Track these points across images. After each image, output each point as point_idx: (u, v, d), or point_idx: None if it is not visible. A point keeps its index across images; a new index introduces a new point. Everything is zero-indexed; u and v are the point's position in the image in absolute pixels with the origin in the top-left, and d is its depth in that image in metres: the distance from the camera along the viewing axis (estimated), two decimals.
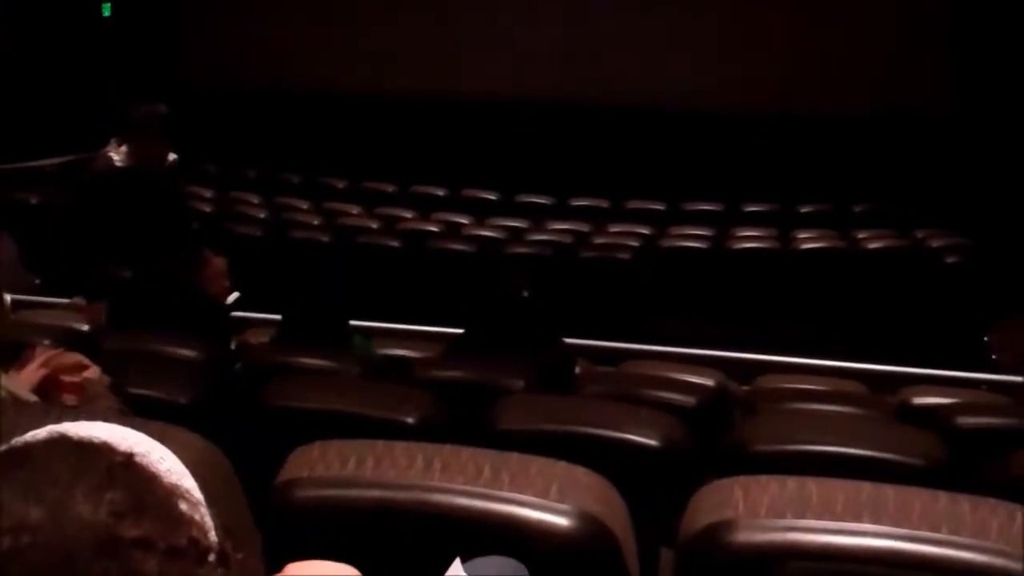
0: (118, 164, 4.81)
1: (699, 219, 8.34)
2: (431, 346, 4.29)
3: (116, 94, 7.93)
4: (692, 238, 7.52)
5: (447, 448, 1.49)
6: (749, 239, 7.54)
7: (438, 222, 7.94)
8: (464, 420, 2.41)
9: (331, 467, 1.45)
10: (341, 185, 9.39)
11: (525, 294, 3.70)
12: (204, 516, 0.75)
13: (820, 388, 3.99)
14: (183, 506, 0.73)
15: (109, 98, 8.01)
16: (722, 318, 6.47)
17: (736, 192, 8.95)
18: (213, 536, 0.74)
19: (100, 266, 4.54)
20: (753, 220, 8.33)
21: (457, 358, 3.58)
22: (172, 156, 5.03)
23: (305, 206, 8.34)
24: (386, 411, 2.31)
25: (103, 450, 0.73)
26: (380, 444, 1.49)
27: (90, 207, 4.83)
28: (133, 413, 1.75)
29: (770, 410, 3.20)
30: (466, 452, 1.47)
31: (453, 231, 7.69)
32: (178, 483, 0.74)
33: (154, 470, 0.74)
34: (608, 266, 6.82)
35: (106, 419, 0.78)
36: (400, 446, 1.49)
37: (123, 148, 4.84)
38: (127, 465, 0.72)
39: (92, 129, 6.24)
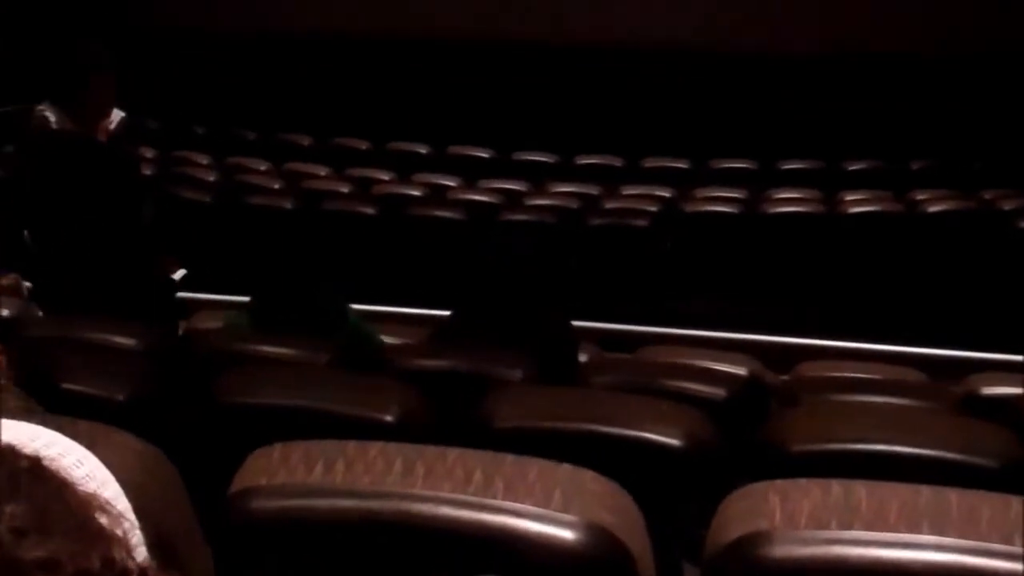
0: (54, 125, 4.71)
1: (729, 179, 8.34)
2: (413, 331, 4.29)
3: (54, 38, 7.88)
4: (721, 201, 7.51)
5: (432, 450, 1.49)
6: (788, 202, 7.53)
7: (421, 185, 7.93)
8: (452, 417, 2.41)
9: (294, 473, 1.45)
10: (306, 142, 9.39)
11: (524, 269, 3.71)
12: (129, 531, 0.73)
13: (871, 377, 4.00)
14: (102, 519, 0.71)
15: (44, 43, 7.96)
16: (756, 295, 6.47)
17: (772, 147, 8.96)
18: (140, 554, 0.73)
19: (20, 235, 4.51)
20: (793, 179, 8.34)
21: (443, 344, 3.58)
22: (119, 115, 4.92)
23: (263, 167, 8.33)
24: (360, 407, 2.32)
25: (4, 454, 0.70)
26: (352, 445, 1.49)
27: (21, 177, 4.77)
28: (44, 411, 1.74)
29: (813, 403, 3.21)
30: (454, 454, 1.47)
31: (438, 195, 7.68)
32: (96, 492, 0.73)
33: (66, 477, 0.72)
34: (622, 235, 6.81)
35: (13, 418, 0.77)
36: (376, 448, 1.49)
37: (61, 105, 4.73)
38: (33, 472, 0.70)
39: (27, 79, 6.20)
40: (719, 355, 4.08)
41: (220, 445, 1.72)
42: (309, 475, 1.45)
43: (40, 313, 3.92)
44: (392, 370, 3.06)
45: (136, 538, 0.73)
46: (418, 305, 5.12)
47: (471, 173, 8.45)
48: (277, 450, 1.51)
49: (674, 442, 2.22)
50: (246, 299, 3.72)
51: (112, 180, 4.42)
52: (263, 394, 2.43)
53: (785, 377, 4.08)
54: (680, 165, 8.86)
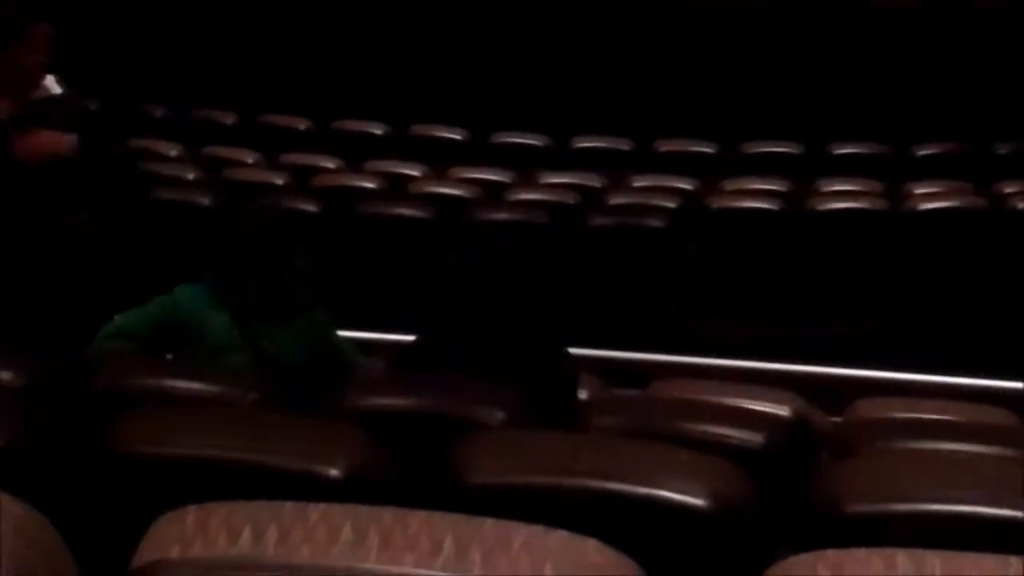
0: None
1: (767, 166, 8.36)
2: (371, 360, 4.29)
3: None
4: (757, 195, 7.54)
5: (390, 512, 1.49)
6: (842, 196, 7.56)
7: (375, 175, 7.93)
8: (416, 471, 2.41)
9: (214, 543, 1.44)
10: (229, 121, 9.37)
11: (508, 282, 3.72)
12: None
13: (948, 419, 4.00)
14: None
15: None
16: (801, 315, 6.49)
17: (823, 126, 8.97)
18: None
19: None
20: (848, 167, 8.37)
21: (405, 378, 3.58)
22: (53, 83, 4.84)
23: (174, 152, 8.31)
24: (298, 459, 2.31)
25: None
26: (289, 508, 1.49)
27: None
28: None
29: (873, 452, 3.21)
30: (418, 518, 1.47)
31: (398, 188, 7.68)
32: None
33: None
34: (632, 239, 6.82)
35: None
36: (319, 510, 1.49)
37: None
38: None
39: None
40: (755, 391, 4.08)
41: (119, 507, 1.71)
42: (233, 545, 1.45)
43: None
44: (340, 411, 3.06)
45: None
46: (373, 328, 5.11)
47: (439, 159, 8.45)
48: (191, 514, 1.51)
49: (698, 502, 2.23)
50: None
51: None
52: (174, 442, 2.42)
53: (838, 419, 4.10)
54: (705, 149, 8.88)
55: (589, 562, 1.46)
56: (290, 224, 4.89)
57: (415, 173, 8.11)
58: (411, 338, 3.85)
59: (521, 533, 1.47)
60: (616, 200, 7.55)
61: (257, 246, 3.88)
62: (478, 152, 8.85)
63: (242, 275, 3.86)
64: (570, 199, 7.45)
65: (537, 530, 1.48)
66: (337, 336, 4.12)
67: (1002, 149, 8.64)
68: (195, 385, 3.16)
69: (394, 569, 1.42)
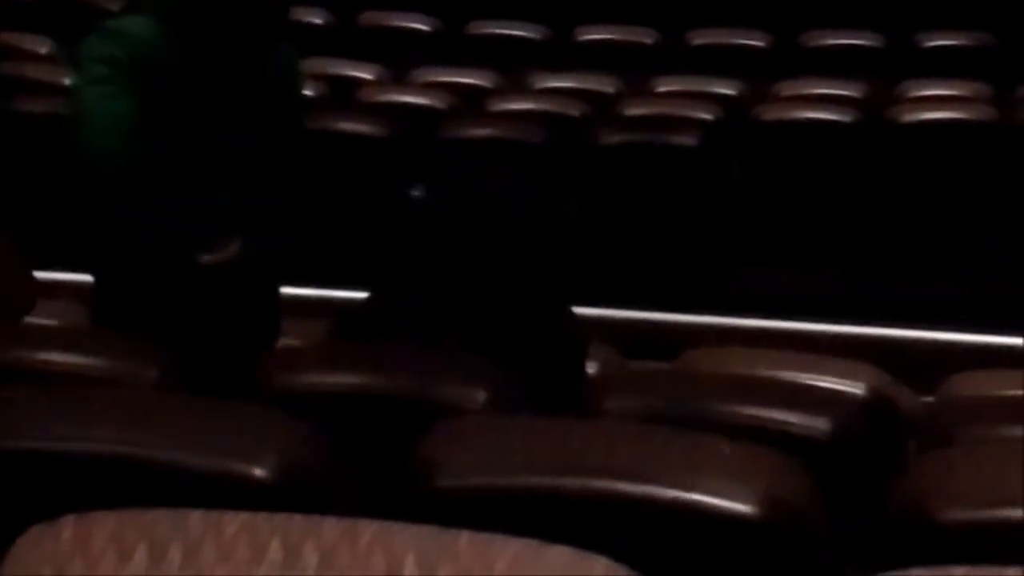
0: None
1: (834, 64, 8.35)
2: (303, 325, 4.33)
3: None
4: (821, 103, 7.54)
5: (332, 523, 1.50)
6: (933, 104, 7.57)
7: (314, 79, 7.91)
8: (368, 469, 2.42)
9: (97, 562, 1.45)
10: (116, 6, 9.32)
11: (493, 219, 3.72)
12: None
13: None
14: None
15: None
16: (881, 264, 6.50)
17: (910, 11, 8.96)
18: None
19: None
20: (940, 65, 8.36)
21: (354, 349, 3.59)
22: None
23: (44, 49, 8.28)
24: (213, 455, 2.32)
25: None
26: (198, 518, 1.50)
27: None
28: None
29: (975, 441, 3.23)
30: (370, 531, 1.48)
31: (344, 96, 7.72)
32: None
33: None
34: (655, 161, 6.83)
35: None
36: (239, 521, 1.50)
37: None
38: None
39: None
40: (819, 363, 4.10)
41: None
42: (124, 568, 1.46)
43: None
44: (267, 391, 3.07)
45: None
46: (313, 284, 5.13)
47: (399, 58, 8.45)
48: (70, 526, 1.51)
49: (744, 508, 2.24)
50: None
51: None
52: (49, 433, 2.43)
53: (930, 399, 4.12)
54: (753, 42, 8.86)
55: None
56: None
57: (367, 76, 8.11)
58: (362, 295, 3.86)
59: (509, 549, 1.48)
60: (635, 111, 7.56)
61: None
62: (451, 48, 8.85)
63: None
64: (574, 110, 7.45)
65: (530, 545, 1.49)
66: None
67: None
68: (79, 359, 3.16)
69: None
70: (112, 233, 3.99)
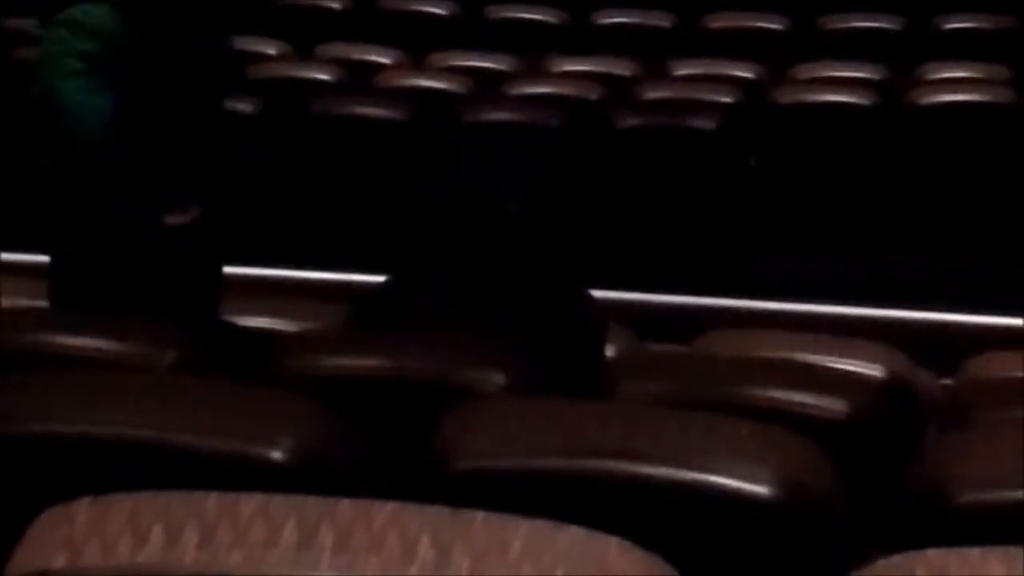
0: None
1: (854, 47, 8.33)
2: (320, 309, 4.33)
3: None
4: (839, 86, 7.52)
5: (347, 505, 1.50)
6: (951, 86, 7.55)
7: (330, 63, 7.91)
8: (385, 452, 2.42)
9: (114, 547, 1.45)
10: None
11: (512, 203, 3.71)
12: None
13: None
14: None
15: None
16: (900, 245, 6.49)
17: None
18: None
19: None
20: (959, 47, 8.33)
21: (372, 332, 3.58)
22: None
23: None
24: (229, 438, 2.32)
25: None
26: (214, 500, 1.50)
27: None
28: None
29: (994, 424, 3.22)
30: (386, 512, 1.48)
31: (361, 80, 7.70)
32: None
33: None
34: (674, 145, 6.82)
35: None
36: (254, 503, 1.50)
37: None
38: None
39: None
40: (838, 345, 4.10)
41: None
42: (139, 551, 1.45)
43: None
44: (285, 375, 3.07)
45: None
46: (330, 268, 5.13)
47: (417, 41, 8.44)
48: (85, 509, 1.51)
49: (761, 489, 2.23)
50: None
51: None
52: (64, 417, 2.43)
53: (949, 381, 4.12)
54: (771, 25, 8.84)
55: (611, 566, 1.47)
56: None
57: (384, 60, 8.10)
58: (379, 279, 3.86)
59: (523, 530, 1.48)
60: (652, 94, 7.55)
61: None
62: (469, 32, 8.83)
63: None
64: (592, 94, 7.45)
65: (544, 527, 1.49)
66: None
67: None
68: (96, 343, 3.16)
69: None
70: (83, 205, 4.13)
